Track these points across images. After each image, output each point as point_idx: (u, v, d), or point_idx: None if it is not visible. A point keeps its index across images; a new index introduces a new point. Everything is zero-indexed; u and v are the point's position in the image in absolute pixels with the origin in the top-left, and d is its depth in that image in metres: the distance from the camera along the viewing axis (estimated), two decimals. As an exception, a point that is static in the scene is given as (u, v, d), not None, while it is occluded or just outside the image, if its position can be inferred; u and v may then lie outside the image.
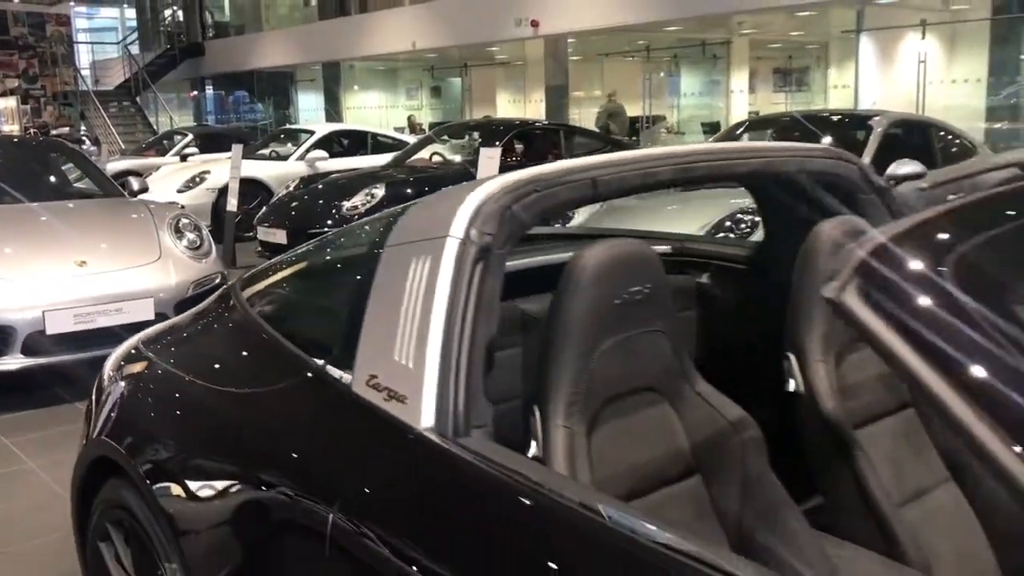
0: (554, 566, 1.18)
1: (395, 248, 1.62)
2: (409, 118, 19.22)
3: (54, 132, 17.71)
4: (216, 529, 1.70)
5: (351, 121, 18.06)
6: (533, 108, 16.30)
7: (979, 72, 10.25)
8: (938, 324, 0.92)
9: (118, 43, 25.72)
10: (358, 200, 7.87)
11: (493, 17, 14.62)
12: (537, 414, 1.53)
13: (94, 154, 14.59)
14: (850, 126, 6.50)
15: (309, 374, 1.70)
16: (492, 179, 1.62)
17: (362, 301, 1.60)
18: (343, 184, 8.23)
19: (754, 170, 1.93)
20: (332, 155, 10.75)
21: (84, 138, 18.06)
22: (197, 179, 10.28)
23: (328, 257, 2.11)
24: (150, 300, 4.91)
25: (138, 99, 22.12)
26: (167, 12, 25.40)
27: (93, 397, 2.17)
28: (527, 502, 1.24)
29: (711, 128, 14.58)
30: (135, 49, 24.09)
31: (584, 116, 15.72)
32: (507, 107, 18.85)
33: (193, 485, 1.76)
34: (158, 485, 1.80)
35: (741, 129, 7.56)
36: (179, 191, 10.03)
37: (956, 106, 10.86)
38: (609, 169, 1.71)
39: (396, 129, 16.07)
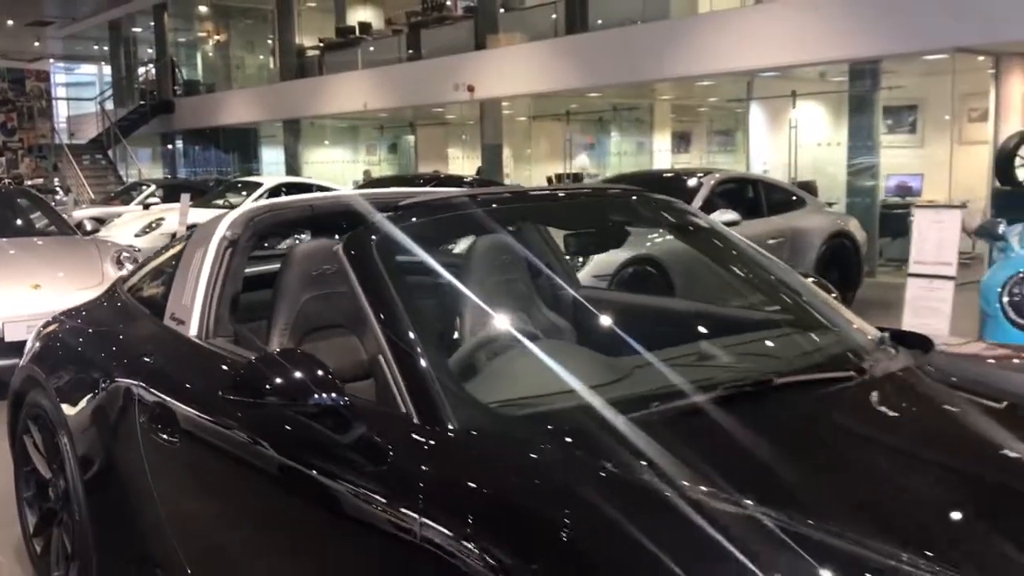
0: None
1: (193, 243, 2.85)
2: (365, 172, 20.57)
3: (28, 183, 18.87)
4: (91, 414, 2.88)
5: (311, 174, 19.34)
6: (478, 163, 17.61)
7: (840, 137, 11.73)
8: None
9: (93, 99, 27.03)
10: (288, 242, 9.09)
11: (435, 82, 16.02)
12: (270, 334, 2.72)
13: (65, 203, 15.76)
14: (686, 182, 7.82)
15: (149, 321, 2.91)
16: (248, 205, 2.86)
17: (174, 275, 2.83)
18: (276, 228, 9.45)
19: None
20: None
21: (58, 189, 19.28)
22: (153, 225, 11.52)
23: (168, 254, 3.31)
24: (91, 315, 6.10)
25: (110, 152, 23.38)
26: (141, 70, 26.84)
27: (27, 345, 3.37)
28: (232, 361, 2.41)
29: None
30: (110, 105, 25.42)
31: (516, 171, 17.16)
32: (457, 163, 20.23)
33: (81, 389, 2.94)
34: (59, 389, 2.99)
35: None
36: (136, 235, 11.24)
37: (822, 166, 12.34)
38: (329, 203, 2.94)
39: (354, 183, 17.40)
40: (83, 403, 2.90)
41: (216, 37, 26.74)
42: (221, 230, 2.74)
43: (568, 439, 1.77)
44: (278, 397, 1.88)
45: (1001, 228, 5.49)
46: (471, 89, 15.59)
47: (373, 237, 2.21)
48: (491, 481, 1.67)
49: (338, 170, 21.56)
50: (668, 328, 2.91)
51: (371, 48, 19.35)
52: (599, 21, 14.71)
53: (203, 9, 25.79)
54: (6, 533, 3.54)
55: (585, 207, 2.89)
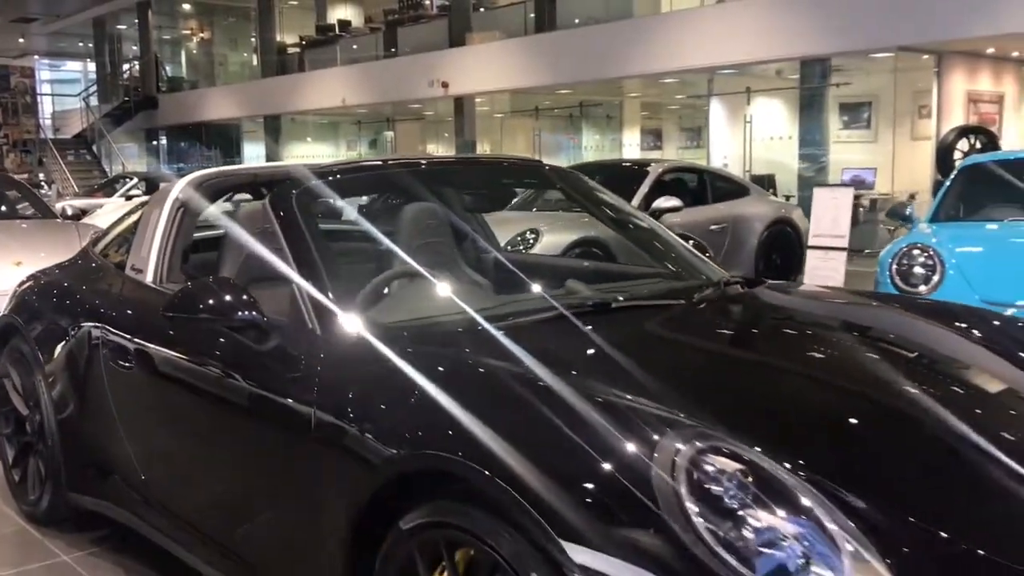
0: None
1: (150, 205, 3.30)
2: (344, 167, 20.97)
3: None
4: (63, 354, 3.32)
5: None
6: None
7: (792, 131, 12.26)
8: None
9: (78, 95, 27.36)
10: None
11: (410, 78, 16.48)
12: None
13: (49, 195, 16.13)
14: (635, 171, 8.30)
15: (113, 273, 3.35)
16: (199, 172, 3.31)
17: (134, 233, 3.28)
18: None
19: None
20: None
21: (43, 183, 19.65)
22: (132, 214, 11.94)
23: (131, 218, 3.75)
24: (69, 291, 6.55)
25: (95, 147, 23.73)
26: (125, 67, 27.19)
27: (7, 298, 3.82)
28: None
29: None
30: (95, 101, 25.77)
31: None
32: (433, 158, 20.66)
33: (55, 334, 3.38)
34: (36, 336, 3.43)
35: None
36: (116, 224, 11.65)
37: (775, 158, 12.87)
38: (270, 170, 3.38)
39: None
40: (56, 345, 3.34)
41: (200, 35, 27.13)
42: (174, 193, 3.20)
43: (437, 342, 2.24)
44: (209, 314, 2.34)
45: (908, 210, 6.01)
46: (445, 85, 16.06)
47: (294, 191, 2.67)
48: (367, 374, 2.13)
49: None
50: (562, 278, 3.38)
51: (354, 46, 19.79)
52: (576, 20, 15.22)
53: (187, 7, 26.18)
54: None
55: (481, 172, 3.37)
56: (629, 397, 1.77)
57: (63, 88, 32.36)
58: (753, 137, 12.97)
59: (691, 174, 8.87)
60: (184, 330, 2.57)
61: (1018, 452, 1.84)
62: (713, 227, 8.27)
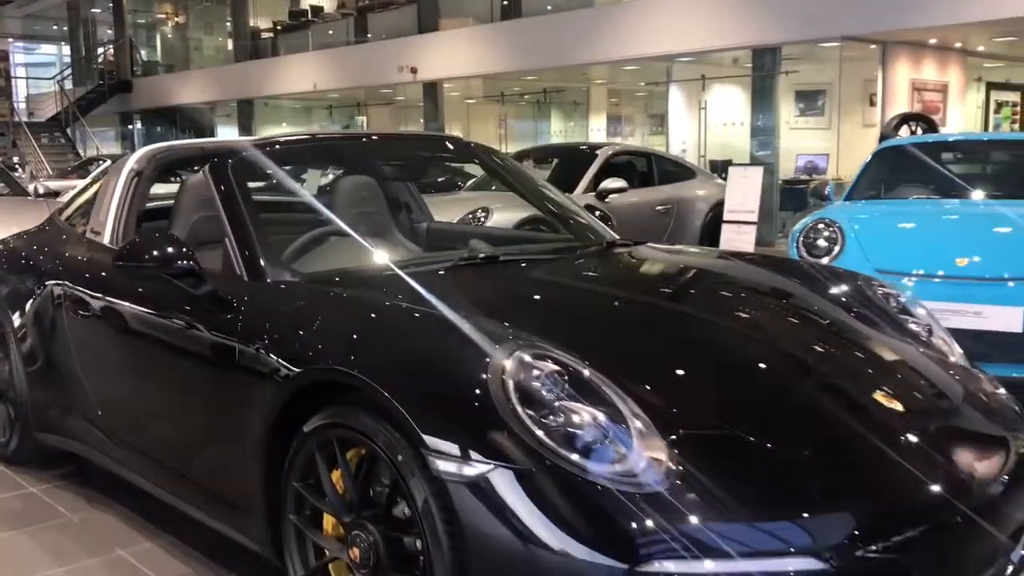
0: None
1: (108, 175, 3.67)
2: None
3: (-11, 159, 19.36)
4: (30, 311, 3.68)
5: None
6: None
7: (744, 117, 12.71)
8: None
9: (52, 79, 27.44)
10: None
11: (380, 64, 16.80)
12: None
13: (23, 177, 16.36)
14: (585, 153, 8.72)
15: (74, 237, 3.73)
16: (152, 146, 3.68)
17: (94, 201, 3.65)
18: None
19: None
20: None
21: (16, 165, 19.82)
22: (105, 195, 12.23)
23: (92, 189, 4.12)
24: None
25: (68, 130, 23.87)
26: (100, 50, 27.30)
27: None
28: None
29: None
30: (69, 84, 25.88)
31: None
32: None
33: (22, 293, 3.74)
34: (4, 295, 3.80)
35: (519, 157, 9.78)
36: (88, 204, 11.94)
37: (728, 143, 13.34)
38: (216, 144, 3.76)
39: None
40: (23, 302, 3.71)
41: (174, 19, 27.25)
42: (130, 164, 3.58)
43: (342, 285, 2.65)
44: (153, 263, 2.72)
45: (827, 190, 6.46)
46: (414, 71, 16.39)
47: (230, 160, 3.06)
48: (281, 310, 2.53)
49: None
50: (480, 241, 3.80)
51: (330, 32, 20.06)
52: (549, 7, 15.60)
53: (161, -10, 26.33)
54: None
55: (407, 146, 3.79)
56: (484, 321, 2.18)
57: (37, 71, 32.39)
58: (708, 123, 13.41)
59: (640, 158, 9.29)
60: (132, 279, 2.95)
61: (781, 357, 2.36)
62: (659, 207, 8.70)
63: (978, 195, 5.60)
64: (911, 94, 11.92)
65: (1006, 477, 2.19)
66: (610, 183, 8.08)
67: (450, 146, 4.00)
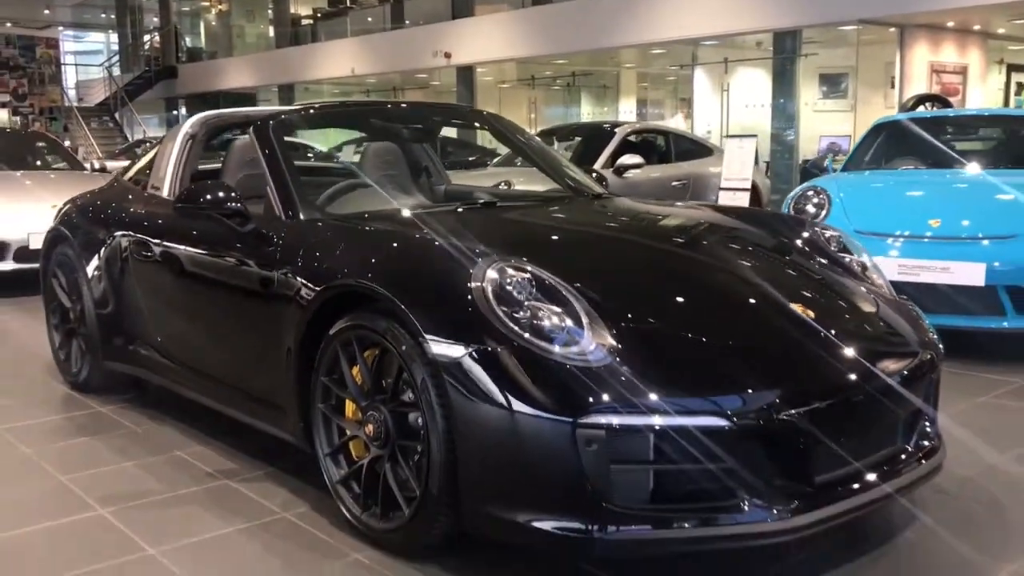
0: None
1: (166, 139, 4.23)
2: (355, 135, 21.93)
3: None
4: (100, 256, 4.25)
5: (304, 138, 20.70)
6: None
7: (765, 99, 13.07)
8: None
9: (101, 64, 28.37)
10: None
11: (416, 49, 17.35)
12: None
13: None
14: (605, 131, 9.18)
15: (137, 193, 4.29)
16: (205, 113, 4.24)
17: (154, 162, 4.22)
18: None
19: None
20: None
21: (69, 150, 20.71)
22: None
23: (151, 153, 4.69)
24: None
25: (116, 115, 24.76)
26: (146, 38, 28.18)
27: (55, 214, 4.77)
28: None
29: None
30: (116, 71, 26.79)
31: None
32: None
33: (93, 241, 4.31)
34: (78, 242, 4.38)
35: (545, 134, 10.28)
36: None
37: (752, 125, 13.68)
38: (259, 111, 4.31)
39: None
40: (94, 248, 4.29)
41: (218, 6, 28.01)
42: (185, 128, 4.13)
43: (364, 222, 3.18)
44: (207, 205, 3.27)
45: (826, 163, 6.88)
46: (448, 56, 16.91)
47: (272, 122, 3.60)
48: (312, 241, 3.06)
49: (334, 133, 22.90)
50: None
51: (368, 19, 20.63)
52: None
53: (205, -21, 27.10)
54: (43, 373, 4.99)
55: (422, 113, 4.32)
56: (472, 244, 2.69)
57: (86, 59, 33.40)
58: (732, 105, 13.79)
59: (659, 136, 9.73)
60: (189, 219, 3.50)
61: (720, 273, 2.90)
62: (675, 183, 9.14)
63: (963, 165, 6.00)
64: (930, 76, 12.20)
65: (905, 373, 2.66)
66: (627, 159, 8.53)
67: (464, 113, 4.54)
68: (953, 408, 3.92)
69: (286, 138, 3.60)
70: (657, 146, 9.53)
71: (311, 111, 3.80)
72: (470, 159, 10.79)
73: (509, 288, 2.46)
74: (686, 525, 2.27)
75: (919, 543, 2.71)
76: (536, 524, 2.29)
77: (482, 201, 3.52)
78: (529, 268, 2.54)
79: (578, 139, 9.65)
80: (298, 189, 3.32)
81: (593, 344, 2.36)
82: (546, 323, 2.39)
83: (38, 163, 9.24)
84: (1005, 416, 3.94)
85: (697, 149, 9.76)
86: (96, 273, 4.26)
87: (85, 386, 4.45)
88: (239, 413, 3.41)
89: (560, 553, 2.46)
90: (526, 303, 2.44)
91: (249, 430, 3.40)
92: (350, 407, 2.82)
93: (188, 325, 3.76)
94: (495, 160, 9.51)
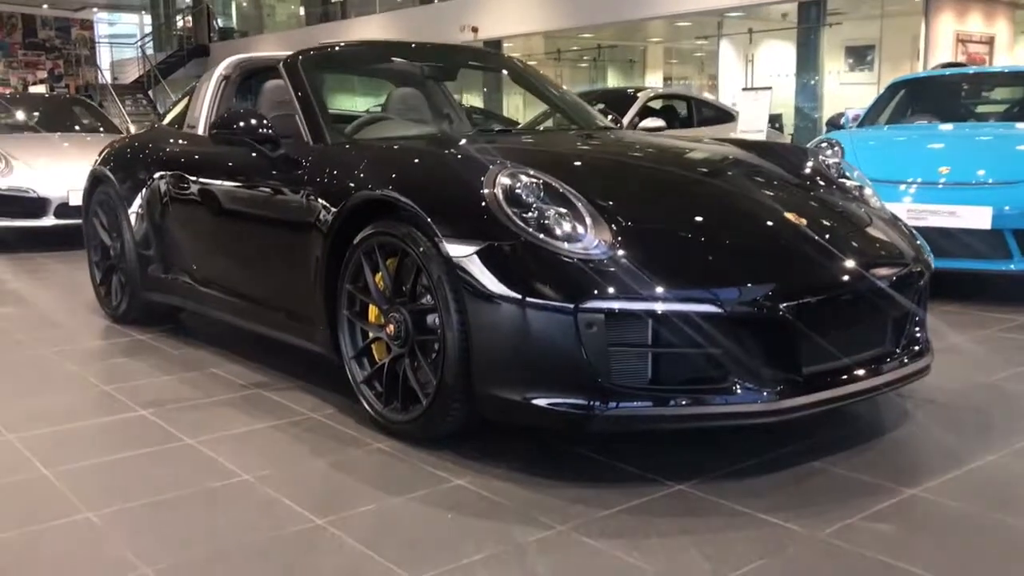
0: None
1: (201, 80, 4.46)
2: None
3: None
4: (139, 194, 4.49)
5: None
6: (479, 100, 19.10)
7: (790, 69, 13.12)
8: None
9: (134, 44, 28.82)
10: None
11: (443, 24, 17.53)
12: None
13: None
14: (628, 96, 9.33)
15: (175, 132, 4.52)
16: (238, 55, 4.46)
17: (190, 103, 4.45)
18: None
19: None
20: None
21: (102, 125, 21.14)
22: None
23: (184, 100, 4.90)
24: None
25: (150, 92, 25.17)
26: (179, 19, 28.59)
27: (97, 155, 5.02)
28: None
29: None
30: (150, 50, 27.22)
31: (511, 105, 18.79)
32: (466, 100, 21.75)
33: (133, 179, 4.55)
34: (119, 180, 4.62)
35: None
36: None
37: (777, 97, 13.74)
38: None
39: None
40: (134, 186, 4.53)
41: (250, -14, 28.32)
42: (219, 70, 4.36)
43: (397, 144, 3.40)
44: (241, 130, 3.49)
45: (842, 120, 7.00)
46: (475, 30, 17.07)
47: (300, 57, 3.81)
48: (337, 160, 3.26)
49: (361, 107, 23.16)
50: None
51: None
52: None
53: (237, -41, 27.40)
54: (86, 309, 5.26)
55: (443, 54, 4.53)
56: (484, 154, 2.89)
57: (120, 40, 33.88)
58: (757, 78, 13.86)
59: (681, 101, 9.87)
60: (222, 148, 3.72)
61: (722, 186, 3.09)
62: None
63: (976, 120, 6.10)
64: (955, 46, 12.20)
65: (894, 279, 2.83)
66: (649, 123, 8.59)
67: (487, 56, 4.75)
68: (952, 339, 4.07)
69: (314, 72, 3.81)
70: (679, 111, 9.66)
71: (338, 48, 4.01)
72: (496, 129, 10.94)
73: (519, 191, 2.65)
74: (681, 403, 2.46)
75: (907, 438, 2.88)
76: (542, 402, 2.50)
77: (497, 128, 3.72)
78: (537, 174, 2.72)
79: (601, 105, 9.78)
80: (325, 117, 3.53)
81: (596, 240, 2.55)
82: (552, 222, 2.58)
83: (76, 128, 9.54)
84: (1002, 345, 4.08)
85: (719, 115, 9.87)
86: (135, 208, 4.50)
87: (124, 318, 4.70)
88: (271, 329, 3.63)
89: (563, 429, 2.64)
90: (534, 204, 2.63)
91: (280, 350, 3.64)
92: (373, 312, 3.03)
93: (222, 250, 3.98)
94: (520, 125, 9.67)
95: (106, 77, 26.51)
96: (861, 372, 2.70)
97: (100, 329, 4.68)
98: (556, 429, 2.67)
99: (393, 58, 4.35)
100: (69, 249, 7.47)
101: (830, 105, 13.14)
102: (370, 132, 3.79)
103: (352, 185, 3.07)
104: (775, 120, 12.86)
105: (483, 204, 2.63)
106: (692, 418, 2.50)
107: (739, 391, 2.48)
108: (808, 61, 12.18)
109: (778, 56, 14.71)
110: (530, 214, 2.60)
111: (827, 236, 2.86)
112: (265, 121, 3.50)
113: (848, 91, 14.68)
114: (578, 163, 3.24)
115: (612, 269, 2.48)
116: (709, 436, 2.84)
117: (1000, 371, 3.62)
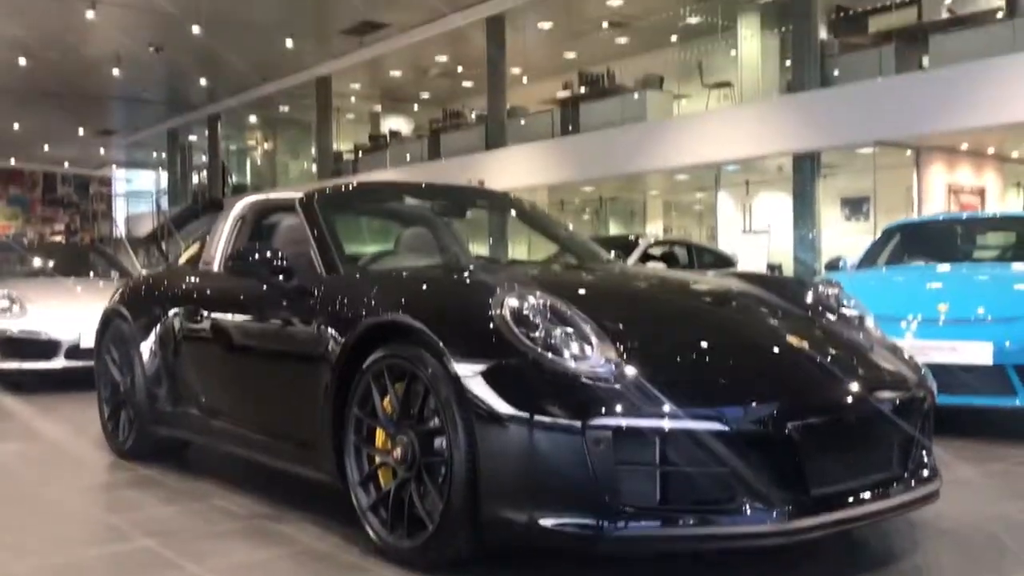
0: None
1: (218, 220, 4.62)
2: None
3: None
4: (154, 331, 4.58)
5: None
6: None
7: (786, 217, 13.50)
8: None
9: (150, 199, 29.77)
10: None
11: (451, 177, 18.07)
12: None
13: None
14: (630, 243, 9.59)
15: (191, 269, 4.64)
16: (253, 197, 4.64)
17: (205, 242, 4.60)
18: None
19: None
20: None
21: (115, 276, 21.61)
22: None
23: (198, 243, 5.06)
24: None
25: (163, 244, 25.80)
26: (195, 176, 29.70)
27: (113, 293, 5.12)
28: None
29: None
30: (165, 204, 28.09)
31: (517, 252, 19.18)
32: (474, 248, 22.22)
33: (148, 316, 4.65)
34: (134, 319, 4.70)
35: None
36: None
37: (775, 246, 14.08)
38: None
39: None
40: (147, 323, 4.61)
41: (263, 144, 29.49)
42: (235, 211, 4.53)
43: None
44: (256, 263, 3.60)
45: (840, 263, 7.17)
46: (481, 183, 17.62)
47: (316, 195, 3.98)
48: (347, 289, 3.36)
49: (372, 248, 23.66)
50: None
51: (407, 156, 21.62)
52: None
53: (253, 119, 28.60)
54: (92, 445, 5.28)
55: (453, 194, 4.72)
56: (492, 277, 3.01)
57: (136, 198, 34.94)
58: (754, 227, 14.25)
59: (681, 247, 10.12)
60: (236, 282, 3.83)
61: (724, 313, 3.19)
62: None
63: (965, 260, 6.26)
64: (948, 197, 12.56)
65: (898, 403, 2.87)
66: (651, 266, 8.87)
67: (497, 197, 4.95)
68: (960, 472, 4.05)
69: (329, 209, 3.96)
70: (679, 257, 9.89)
71: (351, 187, 4.20)
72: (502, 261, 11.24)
73: (526, 312, 2.73)
74: (690, 523, 2.45)
75: (917, 569, 2.83)
76: (549, 522, 2.49)
77: (505, 262, 3.84)
78: (544, 295, 2.81)
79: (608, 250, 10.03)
80: (339, 252, 3.65)
81: (602, 359, 2.61)
82: (559, 341, 2.65)
83: (91, 273, 9.77)
84: (1011, 477, 4.05)
85: (718, 261, 10.10)
86: (149, 343, 4.57)
87: (130, 452, 4.69)
88: (278, 459, 3.64)
89: (572, 550, 2.61)
90: (540, 324, 2.70)
91: (285, 481, 3.63)
92: (380, 437, 3.05)
93: (232, 381, 4.03)
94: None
95: (121, 230, 27.22)
96: (869, 495, 2.70)
97: (108, 465, 4.67)
98: (565, 550, 2.64)
99: (404, 197, 4.53)
100: (80, 390, 7.51)
101: (827, 255, 13.43)
102: (381, 265, 3.91)
103: (363, 312, 3.15)
104: (774, 269, 13.13)
105: (491, 325, 2.70)
106: (702, 539, 2.49)
107: (749, 511, 2.48)
108: (804, 211, 12.53)
109: (774, 206, 15.15)
110: (537, 333, 2.67)
111: (830, 360, 2.91)
112: (280, 253, 3.63)
113: (846, 241, 14.99)
114: (584, 289, 3.34)
115: (619, 387, 2.53)
116: (713, 562, 2.80)
117: (1010, 502, 3.59)
